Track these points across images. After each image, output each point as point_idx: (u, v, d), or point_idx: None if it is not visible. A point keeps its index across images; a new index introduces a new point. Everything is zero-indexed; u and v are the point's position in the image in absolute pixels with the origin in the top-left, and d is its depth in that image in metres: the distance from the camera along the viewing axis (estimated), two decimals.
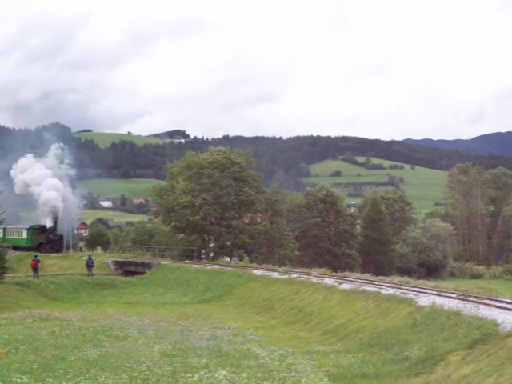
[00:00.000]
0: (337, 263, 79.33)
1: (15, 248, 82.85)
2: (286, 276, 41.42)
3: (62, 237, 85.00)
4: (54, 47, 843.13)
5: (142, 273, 60.18)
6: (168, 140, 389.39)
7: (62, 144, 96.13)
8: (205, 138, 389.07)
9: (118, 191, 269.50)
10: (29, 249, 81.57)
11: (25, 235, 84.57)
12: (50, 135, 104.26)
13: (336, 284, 34.37)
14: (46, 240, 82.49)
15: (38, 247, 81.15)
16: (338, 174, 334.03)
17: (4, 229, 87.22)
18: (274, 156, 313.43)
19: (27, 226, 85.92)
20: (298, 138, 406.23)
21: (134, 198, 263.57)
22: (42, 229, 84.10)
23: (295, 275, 41.14)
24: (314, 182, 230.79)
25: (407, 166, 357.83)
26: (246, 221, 73.16)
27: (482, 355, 16.89)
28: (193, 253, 66.23)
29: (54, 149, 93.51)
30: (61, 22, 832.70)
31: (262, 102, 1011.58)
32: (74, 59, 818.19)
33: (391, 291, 29.03)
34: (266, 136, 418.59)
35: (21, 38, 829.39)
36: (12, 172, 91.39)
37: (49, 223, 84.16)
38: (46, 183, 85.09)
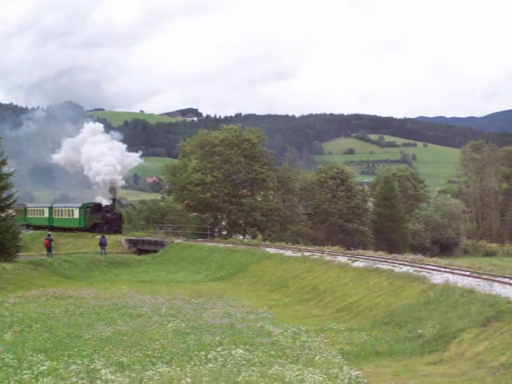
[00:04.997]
0: (350, 241, 79.32)
1: (63, 229, 76.08)
2: (299, 254, 41.37)
3: (120, 216, 73.77)
4: (68, 26, 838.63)
5: (155, 251, 60.21)
6: (180, 118, 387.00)
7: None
8: (217, 117, 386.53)
9: (131, 170, 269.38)
10: (81, 230, 73.33)
11: (76, 215, 74.44)
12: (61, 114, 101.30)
13: (349, 262, 34.34)
14: (103, 219, 70.88)
15: (93, 228, 71.94)
16: (350, 151, 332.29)
17: (50, 208, 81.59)
18: (286, 134, 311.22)
19: (79, 205, 75.25)
20: (310, 115, 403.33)
21: (147, 177, 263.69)
22: (98, 207, 73.59)
23: (308, 253, 41.09)
24: (326, 159, 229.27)
25: (420, 144, 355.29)
26: (259, 198, 73.28)
27: (496, 333, 16.87)
28: (206, 231, 66.36)
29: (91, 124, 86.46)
30: (76, 1, 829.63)
31: (274, 80, 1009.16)
32: (88, 38, 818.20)
33: (404, 269, 29.00)
34: (278, 114, 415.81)
35: (35, 17, 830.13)
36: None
37: (104, 201, 74.37)
38: (103, 156, 74.76)
